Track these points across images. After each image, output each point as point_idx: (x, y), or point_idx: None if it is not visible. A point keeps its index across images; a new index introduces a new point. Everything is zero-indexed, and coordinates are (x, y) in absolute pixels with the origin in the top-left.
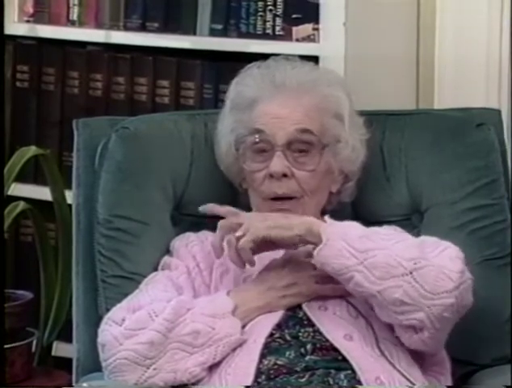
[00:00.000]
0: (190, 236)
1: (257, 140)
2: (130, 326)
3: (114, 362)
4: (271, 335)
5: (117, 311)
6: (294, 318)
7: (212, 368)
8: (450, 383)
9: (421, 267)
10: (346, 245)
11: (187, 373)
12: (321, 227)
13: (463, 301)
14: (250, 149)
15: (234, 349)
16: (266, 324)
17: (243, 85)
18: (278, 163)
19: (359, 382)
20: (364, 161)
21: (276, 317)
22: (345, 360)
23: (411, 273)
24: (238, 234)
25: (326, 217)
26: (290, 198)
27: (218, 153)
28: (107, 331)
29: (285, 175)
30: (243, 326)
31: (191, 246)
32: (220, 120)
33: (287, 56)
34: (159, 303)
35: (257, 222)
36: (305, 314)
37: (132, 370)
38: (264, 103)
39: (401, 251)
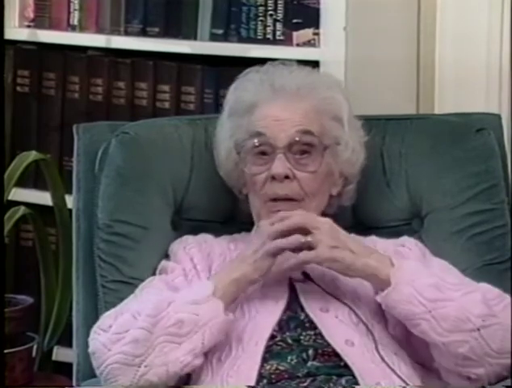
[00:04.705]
0: (188, 238)
1: (257, 143)
2: (116, 330)
3: (105, 368)
4: (273, 337)
5: (105, 319)
6: (295, 319)
7: (215, 370)
8: None
9: (489, 325)
10: (415, 292)
11: (179, 363)
12: (391, 271)
13: None
14: (251, 153)
15: (236, 350)
16: (265, 324)
17: (242, 90)
18: (279, 165)
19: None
20: (364, 164)
21: (275, 316)
22: (346, 366)
23: (479, 330)
24: (308, 239)
25: (392, 259)
26: (290, 199)
27: (218, 159)
28: (96, 339)
29: (287, 177)
30: (240, 320)
31: (189, 248)
32: (218, 126)
33: (284, 61)
34: (143, 304)
35: (327, 241)
36: (307, 315)
37: (124, 372)
38: (264, 106)
39: (470, 305)
